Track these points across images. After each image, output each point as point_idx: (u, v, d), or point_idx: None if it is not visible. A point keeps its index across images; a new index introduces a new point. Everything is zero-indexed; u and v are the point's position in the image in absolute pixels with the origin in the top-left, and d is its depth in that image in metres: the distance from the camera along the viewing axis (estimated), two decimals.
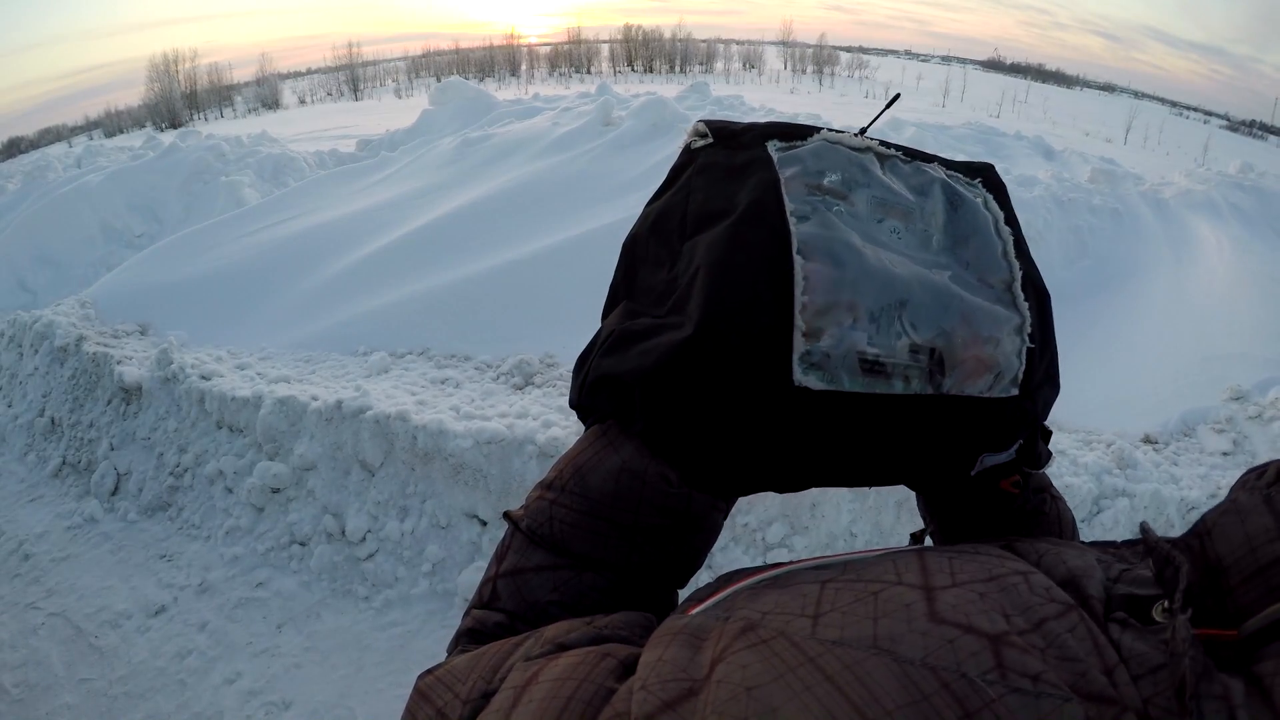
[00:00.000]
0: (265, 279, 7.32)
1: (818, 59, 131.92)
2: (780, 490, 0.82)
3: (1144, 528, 0.54)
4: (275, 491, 4.79)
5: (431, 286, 6.56)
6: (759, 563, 3.90)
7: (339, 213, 8.53)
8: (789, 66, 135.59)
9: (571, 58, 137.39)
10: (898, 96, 1.21)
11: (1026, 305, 0.81)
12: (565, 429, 4.39)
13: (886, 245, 0.79)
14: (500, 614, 0.74)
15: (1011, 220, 0.88)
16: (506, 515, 0.81)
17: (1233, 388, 5.56)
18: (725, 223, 0.79)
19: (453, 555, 4.34)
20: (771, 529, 4.19)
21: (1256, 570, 0.45)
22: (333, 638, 4.13)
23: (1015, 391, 0.79)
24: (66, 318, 6.88)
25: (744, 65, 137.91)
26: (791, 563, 0.65)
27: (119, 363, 5.96)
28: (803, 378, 0.71)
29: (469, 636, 0.74)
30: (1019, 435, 0.85)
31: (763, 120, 0.95)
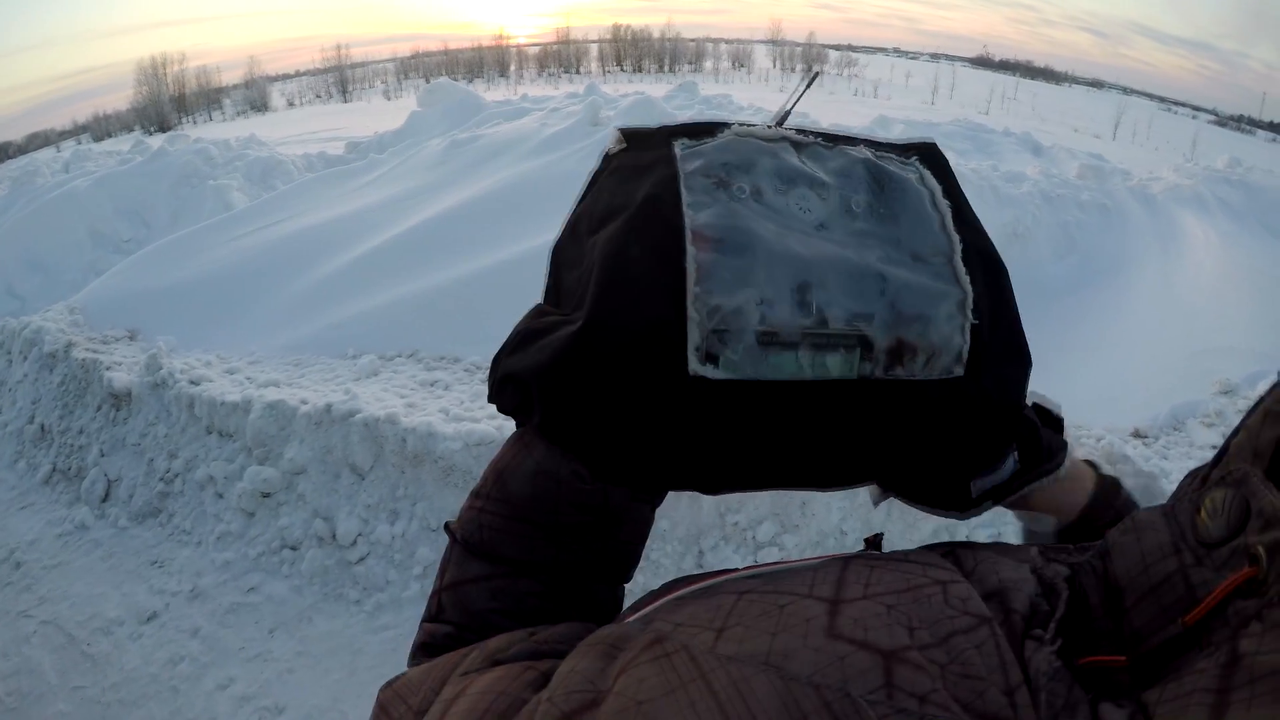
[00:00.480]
0: (254, 283, 7.30)
1: (806, 57, 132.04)
2: (706, 490, 0.81)
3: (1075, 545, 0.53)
4: (266, 496, 4.78)
5: (420, 288, 6.55)
6: (749, 561, 3.90)
7: (327, 215, 8.52)
8: (778, 65, 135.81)
9: (560, 58, 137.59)
10: (817, 74, 1.20)
11: (968, 279, 0.77)
12: None
13: (799, 230, 0.77)
14: (448, 625, 0.75)
15: (952, 193, 0.84)
16: (446, 527, 0.82)
17: (1222, 381, 5.58)
18: (621, 217, 0.78)
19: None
20: (761, 528, 4.19)
21: (1149, 590, 0.45)
22: (325, 642, 4.12)
23: (960, 371, 0.75)
24: (55, 324, 6.86)
25: (733, 64, 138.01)
26: (729, 571, 0.65)
27: (108, 369, 5.94)
28: (699, 367, 0.69)
29: (423, 650, 0.75)
30: (995, 437, 0.82)
31: (738, 119, 0.92)
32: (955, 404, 0.75)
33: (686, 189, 0.76)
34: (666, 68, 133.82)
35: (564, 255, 0.87)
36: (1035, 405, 0.90)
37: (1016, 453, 0.83)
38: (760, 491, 0.82)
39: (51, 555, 5.03)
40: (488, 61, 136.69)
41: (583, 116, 9.50)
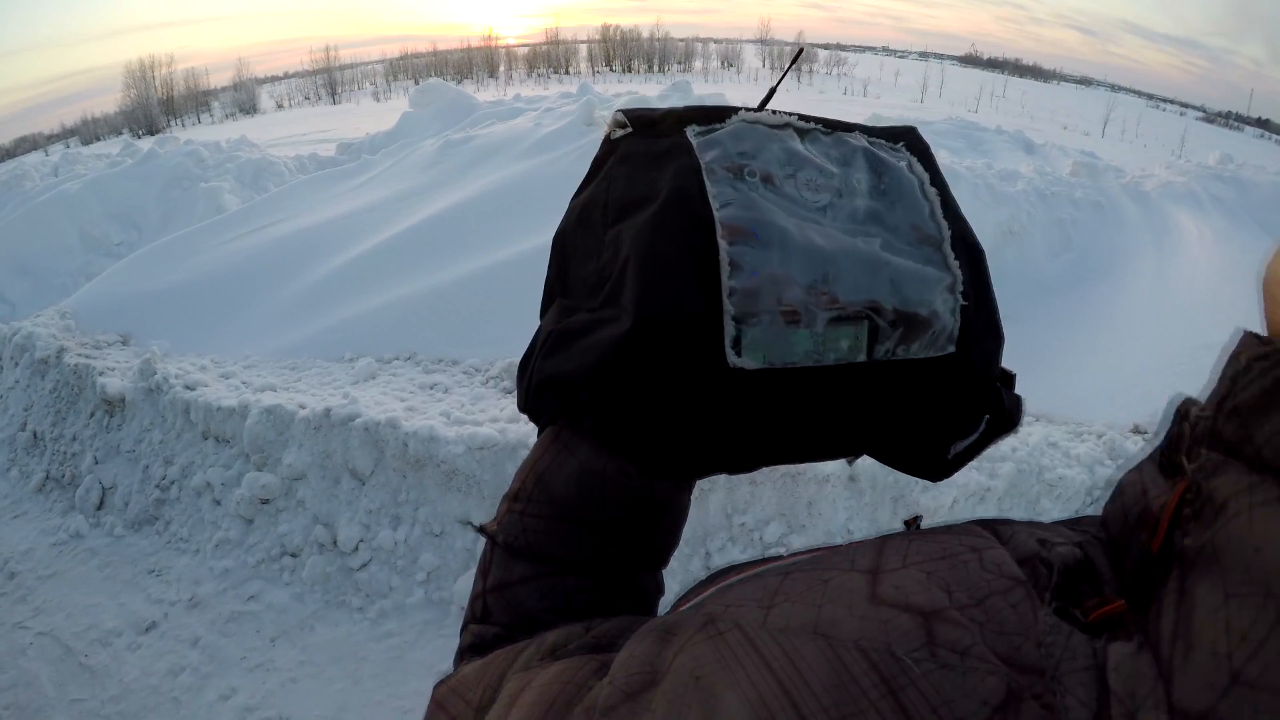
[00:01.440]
0: (248, 286, 7.26)
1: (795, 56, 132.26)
2: (734, 471, 0.83)
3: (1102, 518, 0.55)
4: (264, 502, 4.72)
5: (417, 290, 6.51)
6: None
7: (321, 217, 8.48)
8: (767, 64, 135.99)
9: (550, 58, 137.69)
10: (802, 50, 1.32)
11: (957, 264, 0.82)
12: None
13: (812, 219, 0.80)
14: (496, 627, 0.76)
15: (937, 181, 0.88)
16: (482, 529, 0.82)
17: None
18: (649, 210, 0.79)
19: (448, 563, 4.28)
20: (768, 528, 4.16)
21: (1131, 534, 0.47)
22: (328, 650, 4.07)
23: (952, 349, 0.80)
24: (47, 329, 6.80)
25: (722, 64, 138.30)
26: (776, 559, 0.65)
27: (101, 374, 5.88)
28: (737, 360, 0.72)
29: (472, 651, 0.76)
30: (977, 402, 0.86)
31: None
32: (948, 378, 0.81)
33: (709, 180, 0.78)
34: (656, 68, 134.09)
35: (571, 243, 0.89)
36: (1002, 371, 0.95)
37: (988, 416, 0.88)
38: (777, 465, 0.89)
39: (46, 565, 4.97)
40: (477, 62, 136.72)
41: (577, 116, 9.47)
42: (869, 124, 0.94)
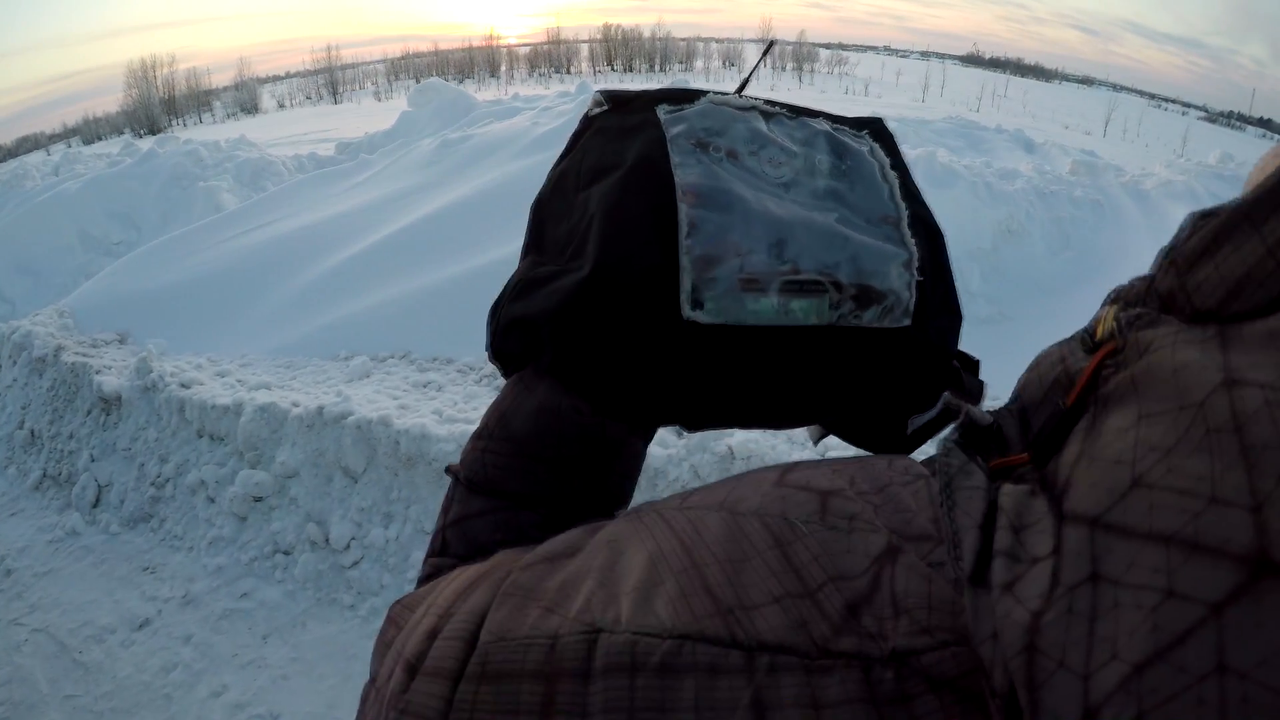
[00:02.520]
0: (245, 284, 7.27)
1: (797, 56, 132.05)
2: (689, 426, 0.88)
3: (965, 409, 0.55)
4: (258, 500, 4.73)
5: (413, 289, 6.52)
6: None
7: (318, 216, 8.49)
8: (768, 64, 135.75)
9: (551, 58, 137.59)
10: (773, 43, 1.33)
11: (914, 242, 0.85)
12: None
13: (773, 193, 0.84)
14: (452, 559, 0.79)
15: (898, 165, 0.93)
16: (448, 469, 0.87)
17: None
18: (616, 174, 0.85)
19: None
20: None
21: (1044, 397, 0.49)
22: (319, 648, 4.07)
23: (907, 322, 0.83)
24: (45, 328, 6.82)
25: (723, 63, 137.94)
26: None
27: (98, 372, 5.90)
28: (691, 312, 0.76)
29: (428, 581, 0.75)
30: (935, 379, 0.89)
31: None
32: (903, 350, 0.84)
33: (673, 150, 0.83)
34: (657, 67, 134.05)
35: (547, 209, 0.94)
36: (959, 353, 0.97)
37: (947, 394, 0.90)
38: (733, 428, 0.91)
39: (43, 562, 4.98)
40: (478, 62, 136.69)
41: (575, 115, 9.47)
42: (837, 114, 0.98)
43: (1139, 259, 8.31)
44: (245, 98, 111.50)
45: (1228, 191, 10.57)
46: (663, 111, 0.90)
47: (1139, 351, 0.42)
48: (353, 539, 4.44)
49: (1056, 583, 0.34)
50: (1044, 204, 8.99)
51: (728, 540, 0.47)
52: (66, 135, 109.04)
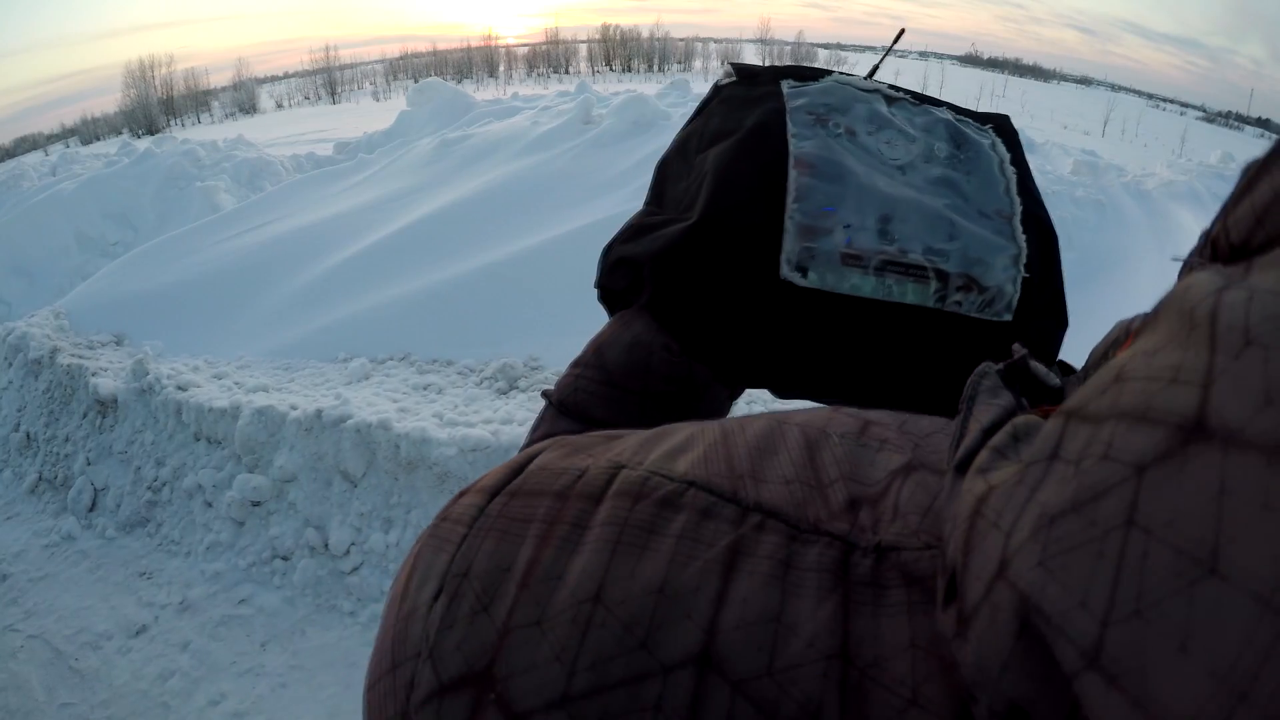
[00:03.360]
0: (242, 285, 7.22)
1: (796, 56, 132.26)
2: (773, 389, 0.93)
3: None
4: (256, 505, 4.67)
5: (412, 290, 6.48)
6: None
7: (317, 216, 8.45)
8: (767, 63, 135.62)
9: (549, 58, 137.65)
10: (903, 32, 1.32)
11: (1024, 238, 0.86)
12: None
13: (885, 173, 0.86)
14: None
15: (1017, 161, 0.94)
16: (544, 393, 0.93)
17: None
18: (733, 138, 0.90)
19: None
20: None
21: (1104, 353, 0.47)
22: (319, 655, 4.02)
23: (1008, 317, 0.84)
24: (41, 329, 6.76)
25: (722, 63, 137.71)
26: None
27: (94, 374, 5.84)
28: (789, 273, 0.80)
29: None
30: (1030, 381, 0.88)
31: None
32: (1001, 345, 0.79)
33: (791, 121, 0.89)
34: (656, 67, 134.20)
35: (670, 169, 1.03)
36: (1061, 363, 0.94)
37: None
38: (817, 403, 0.90)
39: (38, 567, 4.92)
40: (476, 62, 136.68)
41: (574, 115, 9.45)
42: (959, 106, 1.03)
43: (1142, 259, 8.31)
44: (244, 98, 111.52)
45: (1229, 191, 10.57)
46: (786, 86, 0.96)
47: None
48: (352, 544, 4.38)
49: (1021, 464, 0.34)
50: (1046, 204, 8.95)
51: (764, 436, 0.51)
52: (65, 135, 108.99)
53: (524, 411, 4.69)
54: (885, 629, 0.39)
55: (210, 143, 13.93)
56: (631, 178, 7.75)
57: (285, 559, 4.50)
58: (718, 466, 0.48)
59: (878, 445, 0.49)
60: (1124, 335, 0.45)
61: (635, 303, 0.92)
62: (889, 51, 1.17)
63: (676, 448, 0.50)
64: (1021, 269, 0.85)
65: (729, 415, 0.88)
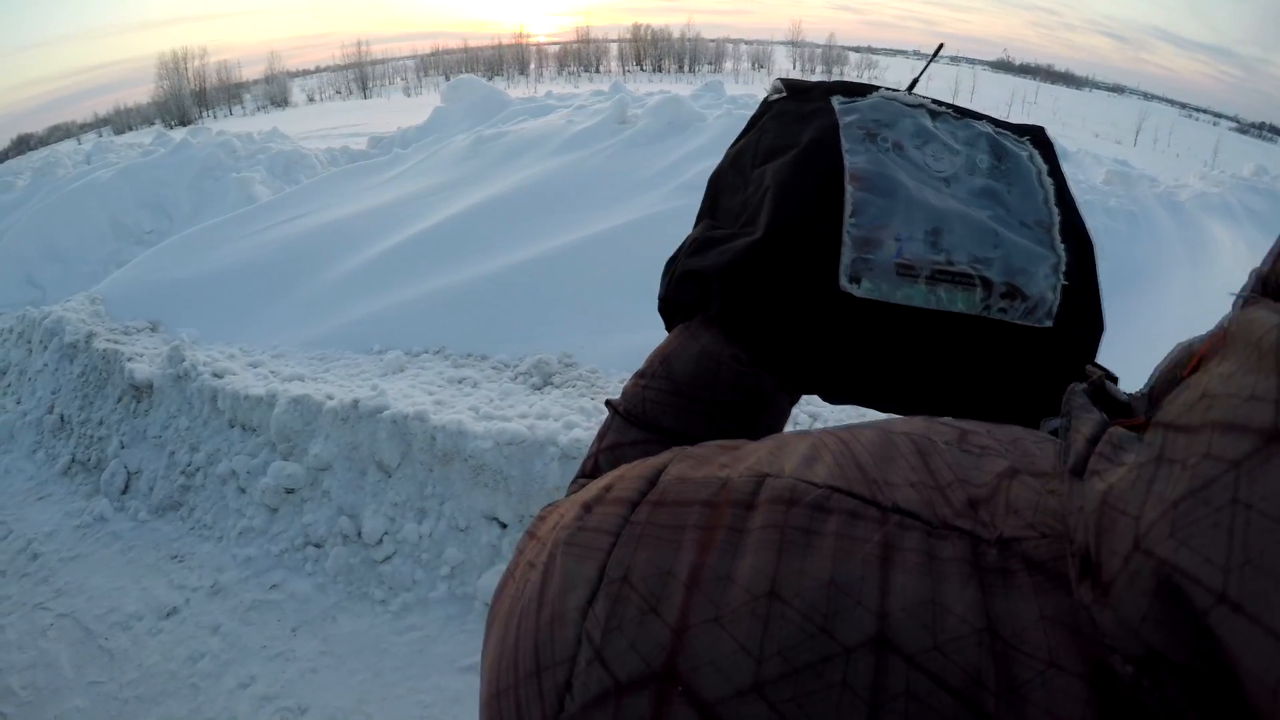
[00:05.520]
0: (277, 276, 7.27)
1: (827, 59, 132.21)
2: (829, 396, 0.94)
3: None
4: (289, 492, 4.70)
5: (447, 284, 6.50)
6: None
7: (352, 209, 8.49)
8: (798, 66, 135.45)
9: (580, 57, 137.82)
10: (941, 46, 1.30)
11: (1063, 247, 0.89)
12: (587, 430, 4.30)
13: (932, 186, 0.90)
14: None
15: (1054, 173, 0.97)
16: (608, 403, 0.96)
17: None
18: (790, 154, 0.93)
19: (472, 558, 4.23)
20: None
21: (1170, 375, 0.51)
22: (349, 642, 4.03)
23: (1049, 323, 0.86)
24: (76, 314, 6.83)
25: (753, 65, 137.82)
26: None
27: (129, 360, 5.89)
28: (847, 285, 0.83)
29: None
30: (1066, 384, 0.84)
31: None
32: (1043, 351, 0.87)
33: (844, 137, 0.92)
34: (686, 68, 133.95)
35: (724, 182, 1.05)
36: (1098, 366, 0.96)
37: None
38: (867, 405, 0.96)
39: (70, 547, 4.97)
40: (508, 60, 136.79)
41: (610, 114, 9.44)
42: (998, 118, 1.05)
43: (1173, 271, 8.24)
44: (275, 91, 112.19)
45: (1263, 204, 10.46)
46: (837, 101, 0.99)
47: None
48: (385, 534, 4.40)
49: (1131, 465, 0.41)
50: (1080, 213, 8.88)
51: (878, 444, 0.55)
52: (98, 125, 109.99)
53: (559, 407, 4.69)
54: (1017, 607, 0.44)
55: (246, 135, 14.04)
56: (667, 178, 7.73)
57: (318, 546, 4.52)
58: (852, 473, 0.52)
59: (979, 451, 0.54)
60: (1187, 357, 0.50)
61: (700, 315, 0.94)
62: (928, 65, 1.20)
63: (807, 457, 0.54)
64: (1061, 276, 0.88)
65: (787, 422, 0.97)
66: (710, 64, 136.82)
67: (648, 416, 0.90)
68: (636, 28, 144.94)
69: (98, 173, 12.40)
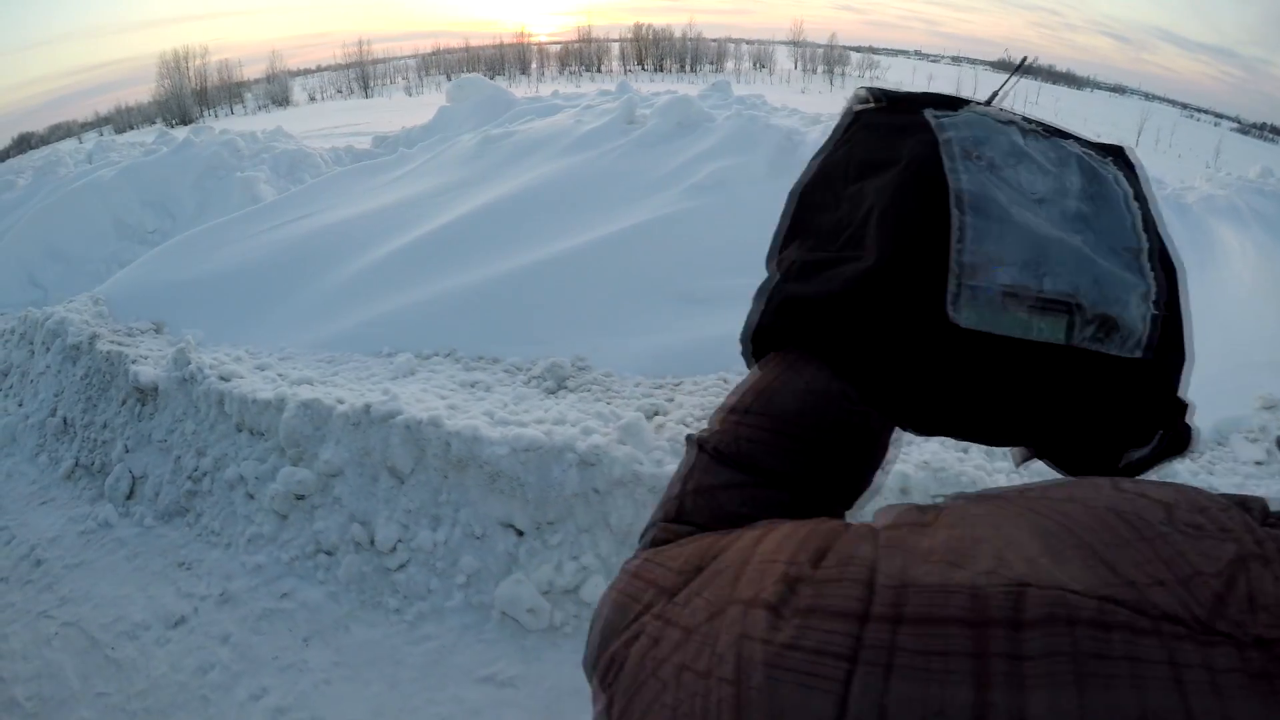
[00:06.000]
0: (284, 277, 7.21)
1: (828, 59, 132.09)
2: (920, 429, 0.89)
3: None
4: (300, 498, 4.61)
5: (457, 286, 6.44)
6: None
7: (359, 209, 8.45)
8: (799, 66, 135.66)
9: (582, 56, 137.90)
10: (1025, 59, 1.29)
11: (1153, 275, 0.86)
12: (605, 436, 4.21)
13: (1029, 209, 0.85)
14: (690, 526, 0.79)
15: (1141, 196, 0.93)
16: (690, 439, 0.89)
17: (1264, 397, 5.59)
18: (892, 172, 0.89)
19: (488, 566, 4.14)
20: None
21: None
22: (363, 652, 3.95)
23: (1139, 354, 0.83)
24: (79, 315, 6.77)
25: (754, 65, 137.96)
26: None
27: (134, 362, 5.81)
28: (955, 315, 0.79)
29: (660, 546, 0.77)
30: (1158, 416, 0.88)
31: (920, 94, 1.06)
32: (1133, 382, 0.84)
33: (945, 155, 0.87)
34: (688, 67, 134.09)
35: (813, 198, 0.99)
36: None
37: (1163, 432, 0.90)
38: (952, 437, 0.91)
39: (74, 553, 4.90)
40: (509, 59, 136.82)
41: (618, 114, 9.41)
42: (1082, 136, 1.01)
43: (1185, 276, 8.14)
44: (277, 90, 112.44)
45: (1270, 208, 10.42)
46: (930, 115, 0.95)
47: None
48: (399, 541, 4.31)
49: None
50: None
51: (1099, 528, 0.51)
52: (99, 124, 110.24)
53: (575, 412, 4.60)
54: None
55: (250, 134, 14.01)
56: (678, 179, 7.68)
57: (329, 554, 4.43)
58: (1105, 574, 0.48)
59: (1194, 532, 0.51)
60: None
61: (796, 348, 0.88)
62: (1011, 76, 1.17)
63: (1050, 553, 0.50)
64: (1152, 305, 0.84)
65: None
66: (712, 64, 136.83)
67: (744, 456, 0.83)
68: (638, 27, 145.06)
69: (100, 171, 12.41)
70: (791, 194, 1.01)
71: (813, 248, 0.92)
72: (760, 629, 0.51)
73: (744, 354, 0.95)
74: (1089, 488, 0.56)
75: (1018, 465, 1.03)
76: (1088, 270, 0.82)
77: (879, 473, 0.91)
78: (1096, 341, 0.81)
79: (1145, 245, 0.87)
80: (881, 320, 0.81)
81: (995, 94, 1.07)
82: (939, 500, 0.62)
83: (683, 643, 0.55)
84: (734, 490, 0.81)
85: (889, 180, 0.88)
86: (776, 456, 0.82)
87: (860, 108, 1.04)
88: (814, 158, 1.03)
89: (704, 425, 0.95)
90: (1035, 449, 0.94)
